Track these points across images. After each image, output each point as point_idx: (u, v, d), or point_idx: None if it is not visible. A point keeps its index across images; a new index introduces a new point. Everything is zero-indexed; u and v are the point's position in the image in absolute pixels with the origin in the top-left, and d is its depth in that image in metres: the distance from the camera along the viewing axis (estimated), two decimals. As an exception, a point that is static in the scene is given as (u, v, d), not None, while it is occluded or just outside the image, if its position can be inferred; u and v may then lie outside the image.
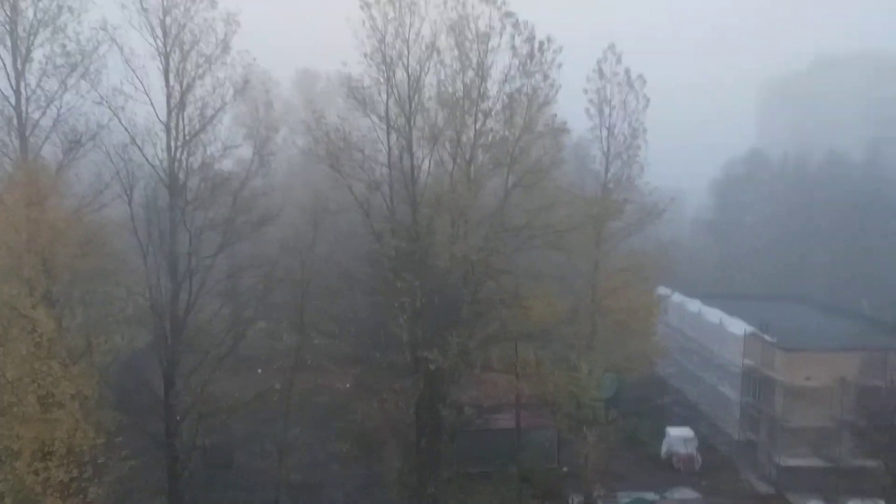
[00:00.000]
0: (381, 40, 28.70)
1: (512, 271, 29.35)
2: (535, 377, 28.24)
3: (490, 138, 30.25)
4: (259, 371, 36.83)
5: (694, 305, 47.31)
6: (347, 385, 30.17)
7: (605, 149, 36.23)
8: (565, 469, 35.86)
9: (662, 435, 39.90)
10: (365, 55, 28.77)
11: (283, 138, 44.91)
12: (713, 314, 44.35)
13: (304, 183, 45.50)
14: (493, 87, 29.84)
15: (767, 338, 38.37)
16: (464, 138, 30.26)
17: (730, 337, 41.44)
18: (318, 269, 29.14)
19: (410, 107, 29.15)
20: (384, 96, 29.15)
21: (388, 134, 29.57)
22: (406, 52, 28.96)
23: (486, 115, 29.96)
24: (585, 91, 35.51)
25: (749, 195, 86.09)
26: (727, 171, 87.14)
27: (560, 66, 29.98)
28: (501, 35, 28.92)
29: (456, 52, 29.45)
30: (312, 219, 28.87)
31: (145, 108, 26.62)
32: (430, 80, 29.68)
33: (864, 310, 58.73)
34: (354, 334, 28.53)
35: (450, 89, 29.74)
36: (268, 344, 35.69)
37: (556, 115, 32.09)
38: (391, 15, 28.48)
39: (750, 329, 40.08)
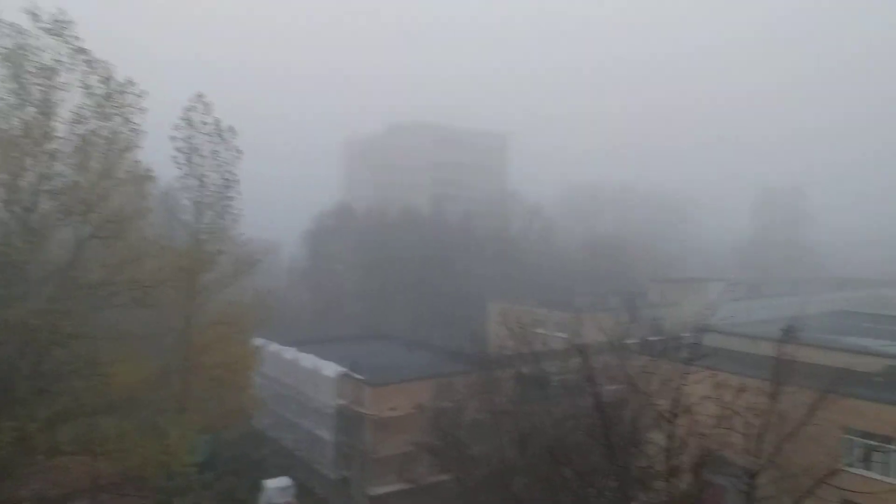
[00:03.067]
0: None
1: (88, 334, 25.76)
2: (118, 452, 24.97)
3: (58, 183, 26.52)
4: None
5: (290, 353, 48.29)
6: None
7: (197, 199, 35.16)
8: (157, 547, 32.56)
9: (261, 489, 39.36)
10: None
11: None
12: (308, 360, 45.85)
13: None
14: (62, 128, 26.43)
15: (357, 376, 41.18)
16: (23, 183, 25.94)
17: (323, 380, 43.28)
18: None
19: (-55, 144, 23.84)
20: None
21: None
22: (-62, 79, 23.78)
23: (53, 157, 26.23)
24: (173, 139, 34.10)
25: (338, 245, 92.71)
26: (318, 223, 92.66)
27: (144, 110, 28.29)
28: (72, 72, 25.97)
29: (13, 85, 25.38)
30: None
31: None
32: (-26, 115, 24.85)
33: (436, 342, 67.91)
34: None
35: (4, 126, 25.39)
36: None
37: (140, 161, 29.93)
38: None
39: (341, 370, 42.49)
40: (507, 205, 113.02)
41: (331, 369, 43.14)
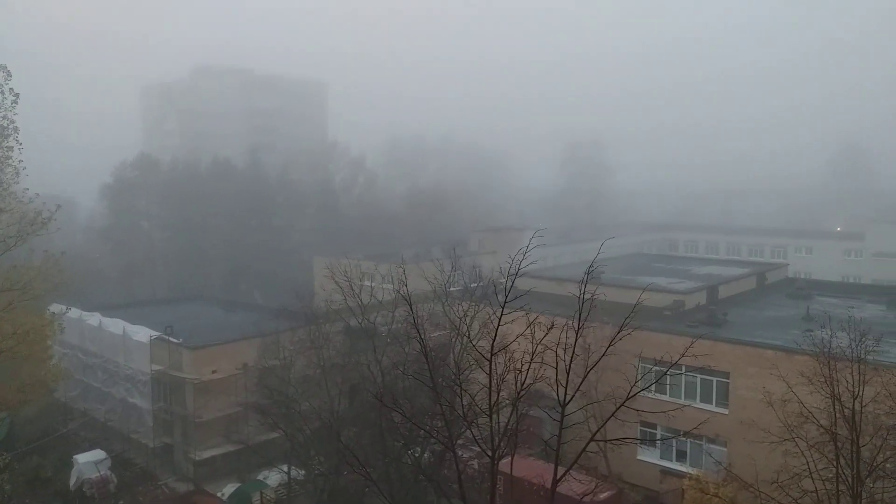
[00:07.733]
0: None
1: None
2: None
3: None
4: None
5: (94, 319, 44.22)
6: None
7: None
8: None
9: (71, 465, 36.30)
10: None
11: None
12: (116, 325, 42.30)
13: None
14: None
15: (173, 340, 38.84)
16: None
17: (135, 346, 40.29)
18: None
19: None
20: None
21: None
22: None
23: None
24: (-72, 78, 28.95)
25: (143, 200, 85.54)
26: (117, 176, 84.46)
27: None
28: None
29: None
30: None
31: None
32: None
33: (258, 300, 65.90)
34: None
35: None
36: None
37: None
38: None
39: (155, 334, 39.82)
40: (329, 156, 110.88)
41: (143, 334, 40.19)
